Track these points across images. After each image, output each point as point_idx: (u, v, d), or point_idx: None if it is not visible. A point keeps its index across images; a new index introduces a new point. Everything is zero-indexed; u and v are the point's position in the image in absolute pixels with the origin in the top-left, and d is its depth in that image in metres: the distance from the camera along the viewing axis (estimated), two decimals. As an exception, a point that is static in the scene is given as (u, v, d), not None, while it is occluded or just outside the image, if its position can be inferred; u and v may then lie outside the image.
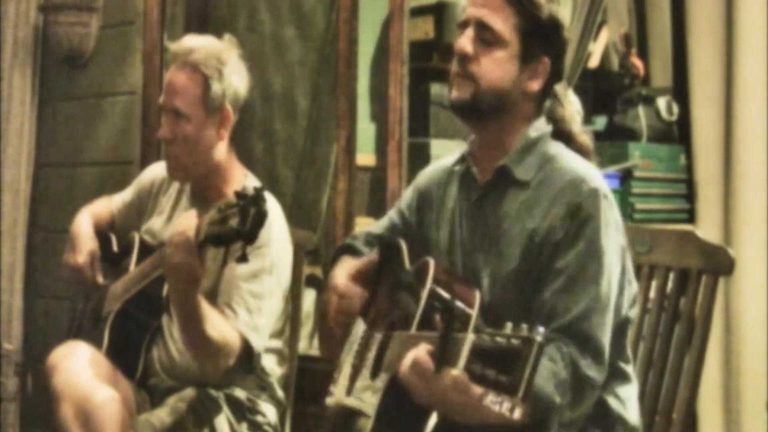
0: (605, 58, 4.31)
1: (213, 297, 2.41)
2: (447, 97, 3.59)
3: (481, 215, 2.01)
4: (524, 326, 1.51)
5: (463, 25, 1.99)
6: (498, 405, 1.48)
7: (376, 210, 3.12)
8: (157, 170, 2.78)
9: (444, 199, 2.11)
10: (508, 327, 1.52)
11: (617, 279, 1.92)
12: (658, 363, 2.24)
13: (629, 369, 2.03)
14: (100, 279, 2.68)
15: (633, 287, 2.00)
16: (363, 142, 3.38)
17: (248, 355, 2.40)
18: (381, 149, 3.38)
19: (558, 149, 2.01)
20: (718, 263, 2.21)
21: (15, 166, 3.87)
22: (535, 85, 1.98)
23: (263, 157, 3.72)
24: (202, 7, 3.88)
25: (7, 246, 3.84)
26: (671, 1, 4.15)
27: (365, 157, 3.42)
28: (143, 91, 3.67)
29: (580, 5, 3.44)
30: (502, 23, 1.94)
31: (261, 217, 1.91)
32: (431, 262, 1.96)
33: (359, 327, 2.17)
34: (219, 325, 2.30)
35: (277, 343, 2.59)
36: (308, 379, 2.80)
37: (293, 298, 2.67)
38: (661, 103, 4.02)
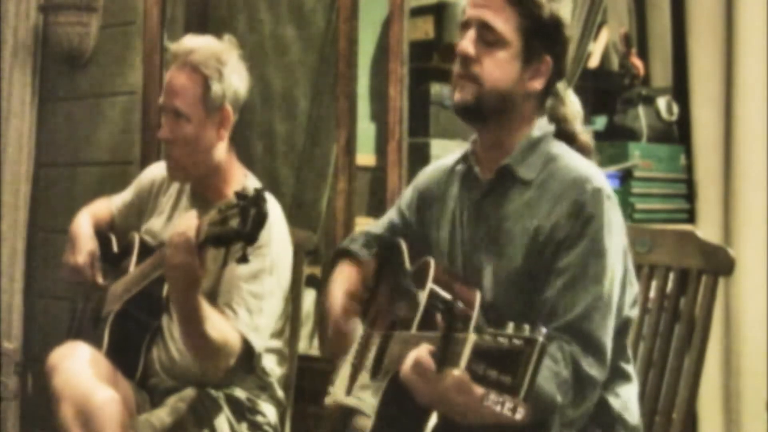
0: (605, 58, 4.31)
1: (213, 297, 2.41)
2: (447, 96, 3.62)
3: (484, 214, 2.01)
4: (526, 326, 1.51)
5: (465, 26, 1.98)
6: (500, 405, 1.49)
7: (376, 210, 3.12)
8: (156, 170, 2.78)
9: (445, 199, 2.12)
10: (510, 327, 1.52)
11: (620, 279, 1.92)
12: (658, 363, 2.24)
13: (630, 369, 2.03)
14: (100, 279, 2.68)
15: (634, 287, 2.00)
16: (363, 142, 3.38)
17: (248, 355, 2.40)
18: (381, 149, 3.38)
19: (561, 149, 2.01)
20: (718, 263, 2.21)
21: (15, 166, 3.87)
22: (538, 85, 1.98)
23: (263, 157, 3.72)
24: (202, 7, 3.88)
25: (7, 246, 3.84)
26: (671, 1, 4.14)
27: (365, 157, 3.42)
28: (143, 91, 3.66)
29: (580, 5, 3.44)
30: (504, 23, 1.94)
31: (261, 218, 1.91)
32: (432, 262, 1.96)
33: (358, 328, 2.17)
34: (219, 326, 2.30)
35: (277, 343, 2.59)
36: (308, 379, 2.80)
37: (293, 298, 2.67)
38: (661, 103, 4.02)
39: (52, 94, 3.95)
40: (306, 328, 3.19)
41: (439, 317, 1.85)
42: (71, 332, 2.78)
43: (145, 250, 2.60)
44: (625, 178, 3.82)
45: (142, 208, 2.76)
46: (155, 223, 2.69)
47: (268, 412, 2.58)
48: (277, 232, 2.50)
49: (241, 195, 1.92)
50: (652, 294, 2.31)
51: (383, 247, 2.21)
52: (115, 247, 2.76)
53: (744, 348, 3.57)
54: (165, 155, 2.63)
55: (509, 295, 1.94)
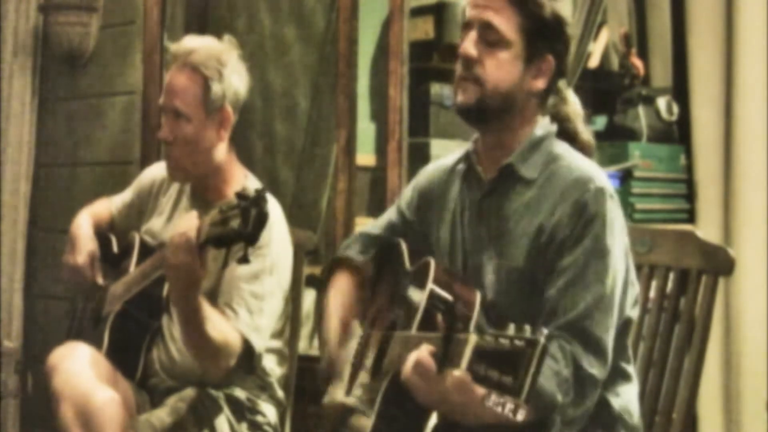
0: (605, 58, 4.31)
1: (213, 297, 2.40)
2: (447, 96, 3.62)
3: (486, 213, 2.01)
4: (527, 327, 1.51)
5: (466, 26, 1.98)
6: (501, 407, 1.49)
7: (376, 210, 3.12)
8: (156, 170, 2.78)
9: (445, 198, 2.11)
10: (511, 328, 1.52)
11: (621, 279, 1.92)
12: (658, 363, 2.24)
13: (630, 369, 2.03)
14: (100, 280, 2.68)
15: (635, 287, 2.00)
16: (363, 142, 3.38)
17: (249, 355, 2.40)
18: (381, 149, 3.38)
19: (563, 148, 2.01)
20: (718, 263, 2.21)
21: (15, 166, 3.87)
22: (540, 84, 1.98)
23: (263, 157, 3.72)
24: (201, 7, 3.88)
25: (7, 246, 3.84)
26: (671, 1, 4.15)
27: (365, 157, 3.42)
28: (143, 91, 3.66)
29: (580, 5, 3.44)
30: (506, 23, 1.94)
31: (262, 219, 1.91)
32: (432, 263, 1.96)
33: (357, 329, 2.17)
34: (220, 326, 2.30)
35: (277, 344, 2.59)
36: (308, 379, 2.79)
37: (293, 298, 2.67)
38: (661, 103, 4.02)
39: (52, 94, 3.95)
40: (306, 328, 3.19)
41: (439, 318, 1.85)
42: (71, 332, 2.78)
43: (145, 251, 2.60)
44: (625, 178, 3.82)
45: (142, 208, 2.76)
46: (155, 224, 2.69)
47: (268, 412, 2.58)
48: (278, 233, 2.49)
49: (242, 195, 1.92)
50: (652, 294, 2.31)
51: (383, 247, 2.22)
52: (115, 248, 2.75)
53: (744, 348, 3.57)
54: (165, 155, 2.63)
55: (511, 294, 1.94)
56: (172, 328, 2.51)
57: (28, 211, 3.90)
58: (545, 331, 1.51)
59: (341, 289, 2.20)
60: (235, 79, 2.53)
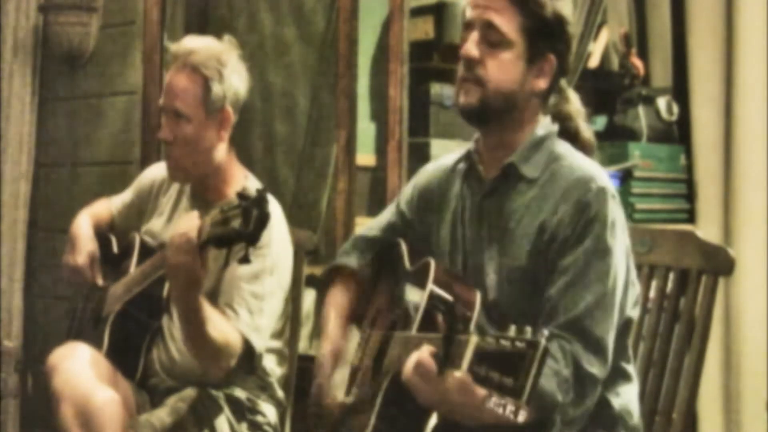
0: (605, 58, 4.31)
1: (214, 298, 2.41)
2: (447, 96, 3.62)
3: (487, 212, 2.01)
4: (528, 329, 1.51)
5: (467, 26, 1.98)
6: (502, 408, 1.49)
7: (376, 210, 3.12)
8: (156, 171, 2.78)
9: (446, 198, 2.11)
10: (512, 329, 1.52)
11: (622, 279, 1.92)
12: (658, 363, 2.24)
13: (630, 368, 2.03)
14: (100, 280, 2.68)
15: (636, 288, 2.00)
16: (363, 142, 3.38)
17: (249, 355, 2.40)
18: (381, 149, 3.38)
19: (564, 148, 2.01)
20: (718, 263, 2.21)
21: (15, 166, 3.87)
22: (542, 84, 1.98)
23: (263, 157, 3.72)
24: (202, 7, 3.88)
25: (7, 246, 3.84)
26: (671, 1, 4.15)
27: (365, 157, 3.42)
28: (143, 91, 3.66)
29: (580, 5, 3.44)
30: (508, 24, 1.93)
31: (263, 219, 1.91)
32: (432, 263, 1.96)
33: (354, 333, 2.17)
34: (220, 326, 2.30)
35: (277, 344, 2.59)
36: (308, 379, 2.79)
37: (293, 298, 2.67)
38: (661, 103, 4.02)
39: (52, 94, 3.95)
40: (306, 328, 3.19)
41: (439, 318, 1.85)
42: (71, 332, 2.78)
43: (146, 251, 2.60)
44: (625, 178, 3.82)
45: (142, 208, 2.76)
46: (155, 224, 2.69)
47: (268, 412, 2.58)
48: (278, 233, 2.49)
49: (243, 195, 1.92)
50: (652, 294, 2.31)
51: (382, 248, 2.22)
52: (115, 248, 2.75)
53: (744, 348, 3.57)
54: (165, 156, 2.63)
55: (512, 294, 1.94)
56: (172, 328, 2.51)
57: (28, 211, 3.90)
58: (546, 332, 1.51)
59: (338, 300, 2.21)
60: (235, 80, 2.53)
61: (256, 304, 2.42)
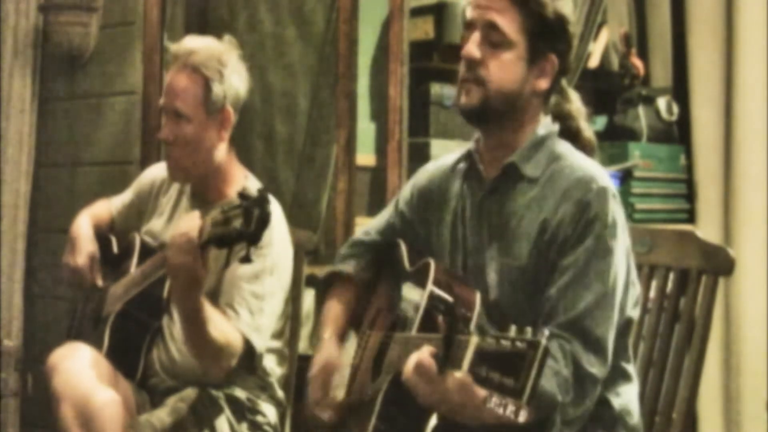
0: (605, 58, 4.31)
1: (214, 298, 2.41)
2: (447, 96, 3.62)
3: (487, 212, 2.01)
4: (528, 329, 1.51)
5: (469, 27, 1.97)
6: (502, 408, 1.49)
7: (376, 210, 3.12)
8: (156, 171, 2.78)
9: (446, 197, 2.11)
10: (513, 329, 1.52)
11: (623, 278, 1.92)
12: (658, 363, 2.24)
13: (631, 368, 2.03)
14: (100, 281, 2.68)
15: (636, 288, 2.00)
16: (363, 142, 3.38)
17: (250, 355, 2.40)
18: (381, 149, 3.39)
19: (565, 147, 2.01)
20: (718, 263, 2.21)
21: (15, 166, 3.87)
22: (543, 84, 1.98)
23: (263, 157, 3.72)
24: (201, 7, 3.88)
25: (7, 246, 3.84)
26: (671, 1, 4.15)
27: (365, 157, 3.43)
28: (143, 91, 3.66)
29: (580, 5, 3.44)
30: (509, 24, 1.93)
31: (265, 218, 1.91)
32: (432, 264, 1.96)
33: (353, 338, 2.18)
34: (221, 326, 2.30)
35: (278, 344, 2.59)
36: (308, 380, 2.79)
37: (293, 298, 2.67)
38: (661, 103, 4.02)
39: (52, 94, 3.95)
40: (306, 328, 3.19)
41: (440, 319, 1.85)
42: (71, 333, 2.78)
43: (146, 251, 2.60)
44: (625, 178, 3.82)
45: (142, 209, 2.76)
46: (155, 224, 2.69)
47: (268, 412, 2.58)
48: (278, 233, 2.50)
49: (244, 195, 1.92)
50: (652, 294, 2.31)
51: (381, 250, 2.21)
52: (115, 249, 2.75)
53: (744, 348, 3.57)
54: (165, 156, 2.63)
55: (513, 294, 1.94)
56: (172, 328, 2.51)
57: (28, 211, 3.90)
58: (546, 332, 1.51)
59: (334, 314, 2.21)
60: (235, 80, 2.53)
61: (256, 304, 2.42)
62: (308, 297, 2.99)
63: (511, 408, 1.48)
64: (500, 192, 2.00)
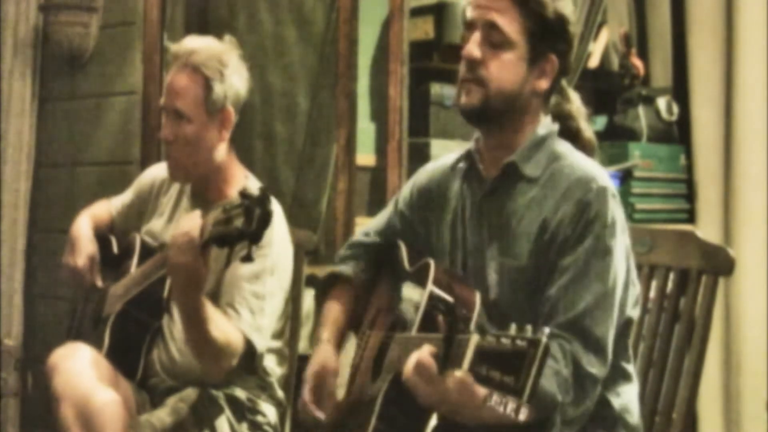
0: (605, 58, 4.31)
1: (215, 298, 2.41)
2: (447, 96, 3.62)
3: (488, 212, 2.01)
4: (528, 327, 1.51)
5: (469, 27, 1.97)
6: (503, 406, 1.49)
7: (376, 210, 3.12)
8: (156, 171, 2.78)
9: (446, 197, 2.11)
10: (513, 328, 1.52)
11: (622, 278, 1.92)
12: (658, 363, 2.24)
13: (631, 368, 2.03)
14: (99, 282, 2.68)
15: (636, 287, 2.00)
16: (363, 142, 3.38)
17: (250, 355, 2.40)
18: (381, 149, 3.39)
19: (565, 147, 2.01)
20: (718, 263, 2.21)
21: (15, 166, 3.87)
22: (544, 84, 1.98)
23: (263, 157, 3.72)
24: (201, 7, 3.88)
25: (7, 246, 3.84)
26: (671, 1, 4.15)
27: (365, 157, 3.43)
28: (143, 91, 3.66)
29: (580, 5, 3.44)
30: (510, 24, 1.93)
31: (266, 217, 1.91)
32: (431, 264, 1.96)
33: (353, 340, 2.18)
34: (222, 326, 2.30)
35: (278, 344, 2.59)
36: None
37: (293, 298, 2.67)
38: (661, 103, 4.02)
39: (52, 94, 3.95)
40: (306, 328, 3.19)
41: (440, 319, 1.85)
42: (71, 333, 2.78)
43: (146, 251, 2.60)
44: (625, 178, 3.82)
45: (142, 209, 2.76)
46: (156, 224, 2.69)
47: (269, 412, 2.58)
48: (278, 233, 2.50)
49: (245, 194, 1.92)
50: (652, 294, 2.31)
51: (382, 250, 2.22)
52: (115, 249, 2.75)
53: (744, 348, 3.57)
54: (166, 155, 2.63)
55: (513, 293, 1.94)
56: (172, 327, 2.51)
57: (28, 211, 3.90)
58: (547, 330, 1.51)
59: (333, 316, 2.21)
60: (236, 80, 2.53)
61: (257, 304, 2.42)
62: (308, 297, 2.99)
63: (511, 406, 1.48)
64: (500, 192, 2.00)
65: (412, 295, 1.98)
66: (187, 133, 2.50)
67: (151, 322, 2.55)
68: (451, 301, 1.89)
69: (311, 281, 2.90)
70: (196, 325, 2.24)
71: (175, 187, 2.69)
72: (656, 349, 2.26)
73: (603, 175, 1.94)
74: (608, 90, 4.24)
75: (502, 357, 1.51)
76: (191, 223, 2.12)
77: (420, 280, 1.96)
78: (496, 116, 1.97)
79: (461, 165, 2.11)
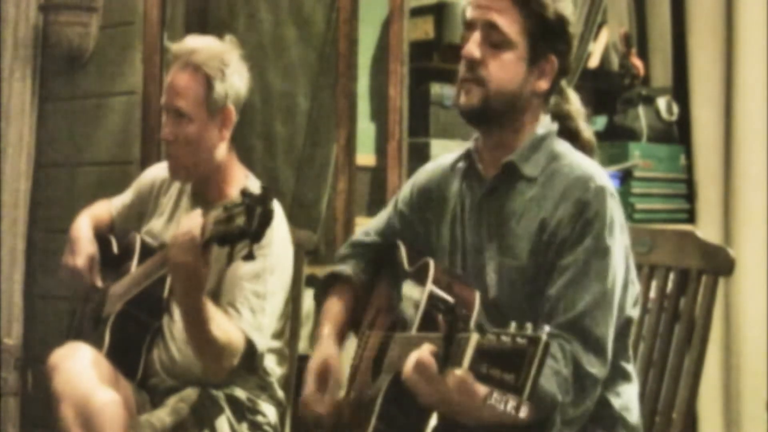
0: (605, 58, 4.31)
1: (216, 297, 2.41)
2: (447, 96, 3.62)
3: (487, 211, 2.01)
4: (528, 325, 1.51)
5: (469, 26, 1.97)
6: (503, 404, 1.49)
7: (376, 210, 3.12)
8: (156, 171, 2.78)
9: (445, 197, 2.11)
10: (513, 326, 1.52)
11: (622, 277, 1.92)
12: (658, 363, 2.24)
13: (630, 368, 2.03)
14: (99, 282, 2.68)
15: (636, 287, 2.00)
16: (363, 142, 3.38)
17: (251, 354, 2.40)
18: (381, 149, 3.39)
19: (564, 147, 2.01)
20: (718, 263, 2.21)
21: (15, 166, 3.87)
22: (544, 84, 1.98)
23: (263, 157, 3.72)
24: (201, 7, 3.88)
25: (7, 246, 3.84)
26: (671, 1, 4.15)
27: (365, 157, 3.43)
28: (143, 91, 3.66)
29: (580, 5, 3.44)
30: (510, 25, 1.93)
31: (268, 216, 1.91)
32: (431, 263, 1.96)
33: (352, 340, 2.18)
34: (223, 325, 2.30)
35: (278, 344, 2.59)
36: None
37: (293, 298, 2.68)
38: (661, 103, 4.02)
39: (52, 94, 3.95)
40: (306, 328, 3.19)
41: (440, 318, 1.85)
42: (71, 333, 2.78)
43: (146, 251, 2.60)
44: (625, 178, 3.82)
45: (142, 209, 2.76)
46: (156, 224, 2.69)
47: (269, 412, 2.58)
48: (279, 233, 2.50)
49: (246, 193, 1.92)
50: (652, 294, 2.31)
51: (382, 249, 2.22)
52: (115, 249, 2.75)
53: (744, 348, 3.57)
54: (166, 155, 2.62)
55: (513, 293, 1.94)
56: (172, 327, 2.51)
57: (28, 211, 3.90)
58: (547, 328, 1.51)
59: (333, 314, 2.21)
60: (236, 79, 2.53)
61: (258, 304, 2.42)
62: (308, 297, 2.99)
63: (512, 404, 1.48)
64: (499, 191, 2.00)
65: (413, 293, 1.98)
66: (188, 132, 2.50)
67: (152, 322, 2.55)
68: (451, 301, 1.89)
69: (311, 281, 2.90)
70: (197, 324, 2.24)
71: (175, 187, 2.69)
72: (656, 349, 2.26)
73: (601, 174, 1.94)
74: (608, 90, 4.24)
75: (502, 355, 1.51)
76: (192, 222, 2.12)
77: (419, 280, 1.96)
78: (495, 116, 1.97)
79: (460, 165, 2.11)
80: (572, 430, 1.86)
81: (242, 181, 2.55)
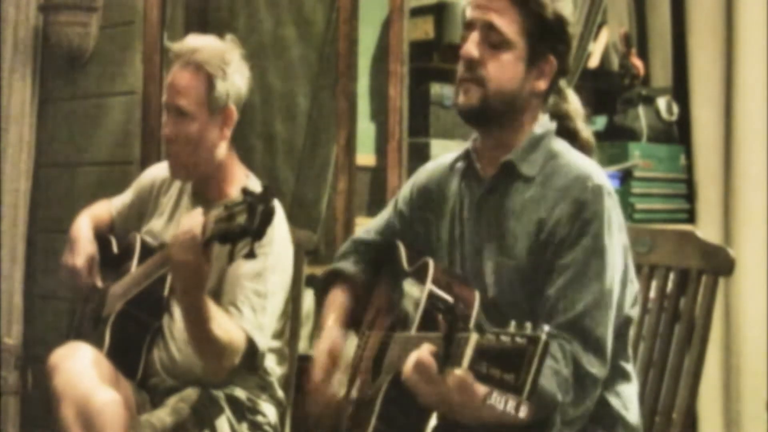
0: (605, 58, 4.32)
1: (217, 296, 2.41)
2: (447, 96, 3.62)
3: (485, 211, 2.01)
4: (528, 325, 1.51)
5: (468, 27, 1.97)
6: (503, 404, 1.49)
7: (376, 210, 3.12)
8: (156, 171, 2.78)
9: (445, 196, 2.11)
10: (512, 326, 1.52)
11: (620, 277, 1.92)
12: (658, 363, 2.24)
13: (630, 368, 2.03)
14: (99, 282, 2.68)
15: (634, 286, 2.00)
16: (363, 142, 3.38)
17: (252, 353, 2.40)
18: (381, 149, 3.39)
19: (562, 146, 2.01)
20: (718, 263, 2.21)
21: (15, 166, 3.87)
22: (543, 85, 1.98)
23: (263, 157, 3.72)
24: (202, 7, 3.88)
25: (7, 246, 3.84)
26: (671, 1, 4.15)
27: (365, 157, 3.43)
28: (143, 91, 3.66)
29: (580, 5, 3.44)
30: (509, 25, 1.93)
31: (269, 214, 1.91)
32: (430, 263, 1.96)
33: (353, 338, 2.18)
34: (224, 324, 2.30)
35: (278, 343, 2.59)
36: (308, 379, 2.79)
37: (293, 298, 2.68)
38: (661, 103, 4.02)
39: (52, 94, 3.95)
40: (306, 328, 3.19)
41: (440, 318, 1.85)
42: (71, 333, 2.78)
43: (147, 251, 2.60)
44: (625, 178, 3.82)
45: (142, 209, 2.76)
46: (156, 224, 2.69)
47: (269, 412, 2.58)
48: (279, 232, 2.50)
49: (248, 192, 1.93)
50: (652, 294, 2.31)
51: (382, 249, 2.22)
52: (115, 249, 2.75)
53: (744, 348, 3.57)
54: (167, 154, 2.62)
55: (512, 292, 1.94)
56: (172, 327, 2.51)
57: (28, 211, 3.90)
58: (546, 327, 1.50)
59: (336, 305, 2.21)
60: (238, 78, 2.53)
61: (259, 303, 2.42)
62: (308, 297, 2.99)
63: (512, 403, 1.48)
64: (498, 191, 2.00)
65: (412, 292, 1.98)
66: (189, 131, 2.50)
67: (152, 322, 2.55)
68: (451, 301, 1.89)
69: (311, 281, 2.90)
70: (198, 323, 2.24)
71: (176, 187, 2.69)
72: (656, 349, 2.26)
73: (599, 173, 1.94)
74: (608, 90, 4.24)
75: (501, 355, 1.51)
76: (193, 220, 2.12)
77: (419, 280, 1.96)
78: (494, 116, 1.97)
79: (460, 164, 2.11)
80: (572, 430, 1.86)
81: (243, 180, 2.56)
